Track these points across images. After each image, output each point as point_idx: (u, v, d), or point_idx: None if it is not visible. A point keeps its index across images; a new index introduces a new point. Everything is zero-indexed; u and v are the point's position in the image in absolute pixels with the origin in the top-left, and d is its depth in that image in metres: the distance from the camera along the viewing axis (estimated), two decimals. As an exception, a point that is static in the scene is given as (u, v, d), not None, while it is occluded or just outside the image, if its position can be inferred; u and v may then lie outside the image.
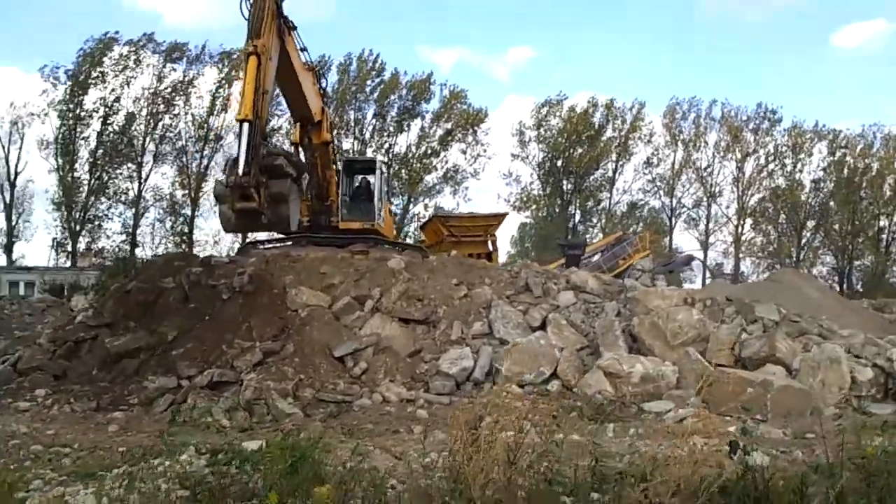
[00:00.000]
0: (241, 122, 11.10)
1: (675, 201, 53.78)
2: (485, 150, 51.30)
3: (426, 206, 51.22)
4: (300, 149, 16.46)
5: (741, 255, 53.04)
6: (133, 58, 45.47)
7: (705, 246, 53.03)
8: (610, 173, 54.09)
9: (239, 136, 11.07)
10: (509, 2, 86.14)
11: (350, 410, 10.09)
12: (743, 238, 53.16)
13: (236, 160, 11.00)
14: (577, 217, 54.82)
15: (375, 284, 12.99)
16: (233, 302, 12.17)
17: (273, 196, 11.50)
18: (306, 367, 10.93)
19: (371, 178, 18.69)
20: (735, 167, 52.89)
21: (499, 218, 20.63)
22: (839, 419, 9.36)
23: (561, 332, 12.15)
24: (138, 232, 47.78)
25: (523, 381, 10.68)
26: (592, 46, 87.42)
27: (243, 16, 11.79)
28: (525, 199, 53.79)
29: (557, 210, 53.94)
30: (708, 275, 49.51)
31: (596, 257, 31.43)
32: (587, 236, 50.29)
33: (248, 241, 19.57)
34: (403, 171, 50.78)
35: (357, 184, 18.95)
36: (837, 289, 45.02)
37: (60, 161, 44.85)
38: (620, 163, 53.86)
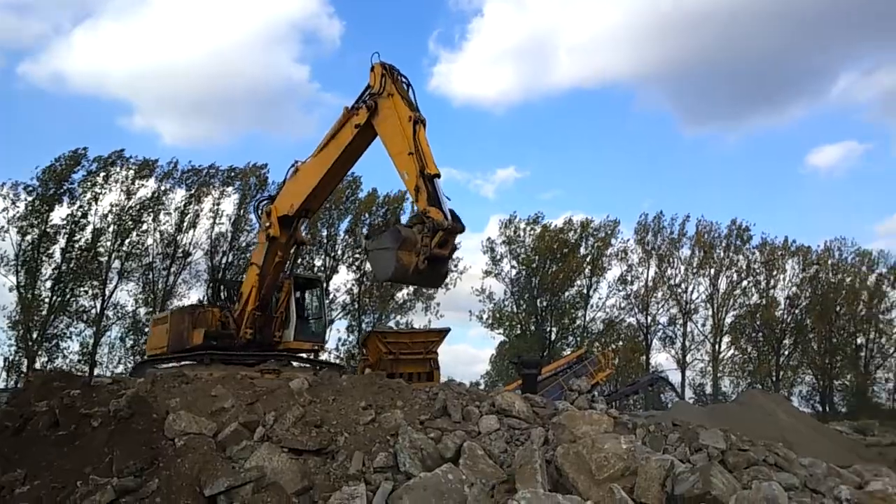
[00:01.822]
0: (434, 176, 11.96)
1: (649, 319, 52.97)
2: (455, 266, 50.82)
3: (397, 324, 50.17)
4: (269, 247, 15.88)
5: (720, 375, 51.59)
6: (102, 174, 45.53)
7: (683, 365, 51.65)
8: (585, 290, 53.55)
9: (435, 189, 11.88)
10: (497, 125, 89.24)
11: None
12: (721, 356, 51.94)
13: (439, 207, 11.69)
14: (554, 335, 53.69)
15: (271, 408, 11.52)
16: (103, 429, 10.68)
17: (452, 249, 12.16)
18: (168, 509, 9.37)
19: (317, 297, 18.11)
20: (709, 284, 52.50)
21: (440, 334, 19.46)
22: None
23: (475, 465, 10.57)
24: (98, 352, 46.37)
25: (422, 525, 9.14)
26: (575, 168, 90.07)
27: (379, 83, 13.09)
28: (498, 315, 52.78)
29: (533, 328, 52.83)
30: (688, 396, 47.84)
31: (558, 376, 29.88)
32: (564, 353, 48.98)
33: (143, 359, 18.39)
34: (375, 288, 50.09)
35: (307, 301, 18.11)
36: (819, 410, 43.29)
37: (22, 278, 43.86)
38: (595, 279, 53.46)
